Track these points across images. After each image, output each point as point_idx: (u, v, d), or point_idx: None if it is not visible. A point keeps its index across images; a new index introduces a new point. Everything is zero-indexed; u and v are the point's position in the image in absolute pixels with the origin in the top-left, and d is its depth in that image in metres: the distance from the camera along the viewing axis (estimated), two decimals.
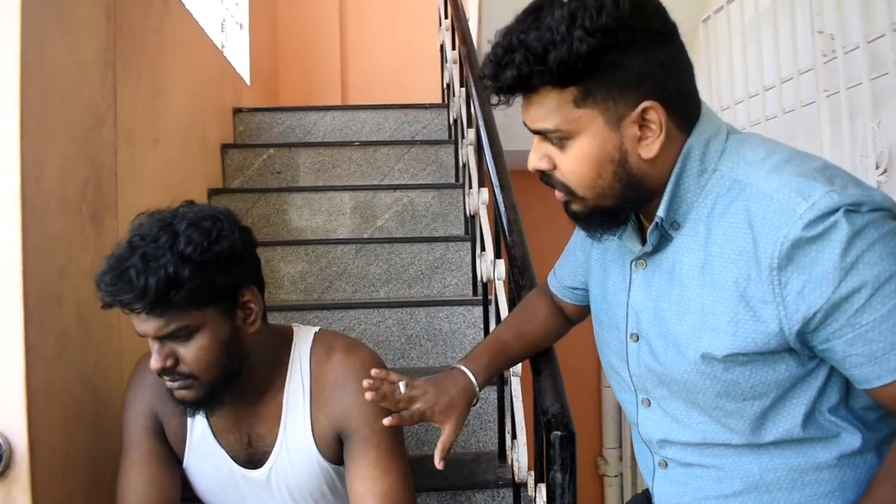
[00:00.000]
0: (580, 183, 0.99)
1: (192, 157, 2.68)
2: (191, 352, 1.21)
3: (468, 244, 2.73)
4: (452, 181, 3.12)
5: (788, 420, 0.97)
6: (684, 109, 0.98)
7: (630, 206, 1.02)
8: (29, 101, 1.29)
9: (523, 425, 1.81)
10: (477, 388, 1.34)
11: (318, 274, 2.68)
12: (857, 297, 0.86)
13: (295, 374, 1.38)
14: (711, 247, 0.96)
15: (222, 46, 3.43)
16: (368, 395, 1.23)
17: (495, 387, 2.20)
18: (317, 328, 1.45)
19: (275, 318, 2.43)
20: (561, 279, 1.41)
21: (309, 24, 4.60)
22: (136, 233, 1.19)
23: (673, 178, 0.98)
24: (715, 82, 3.12)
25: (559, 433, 1.31)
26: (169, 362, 1.21)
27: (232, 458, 1.38)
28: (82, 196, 1.48)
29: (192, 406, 1.27)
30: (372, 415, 1.33)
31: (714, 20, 3.09)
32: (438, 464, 1.25)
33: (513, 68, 0.92)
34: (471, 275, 2.69)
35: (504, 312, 1.97)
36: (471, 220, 2.62)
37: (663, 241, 1.03)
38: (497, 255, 2.09)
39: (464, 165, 2.82)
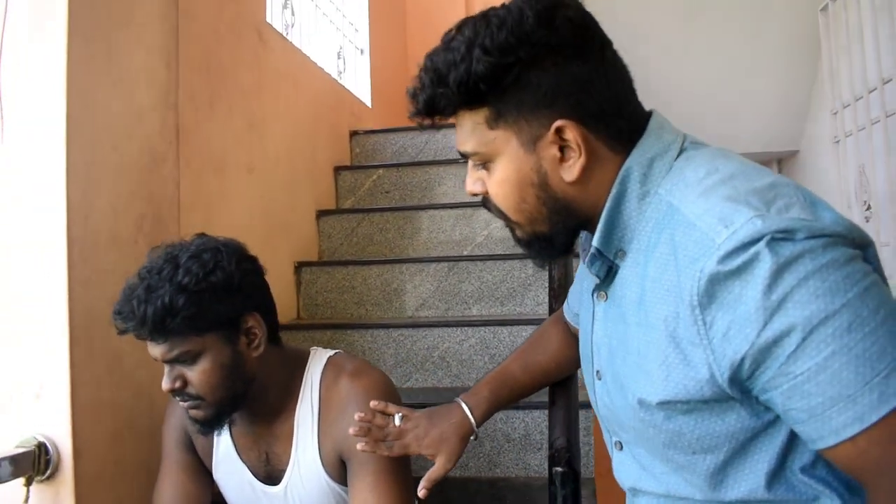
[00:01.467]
0: (508, 207, 0.94)
1: (297, 182, 2.86)
2: (196, 374, 1.31)
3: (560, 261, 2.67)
4: None
5: (750, 478, 0.86)
6: (613, 128, 0.89)
7: (566, 232, 0.95)
8: (77, 150, 1.46)
9: None
10: (473, 423, 1.32)
11: (412, 292, 2.75)
12: (786, 341, 0.74)
13: (305, 396, 1.44)
14: (646, 280, 0.88)
15: (339, 73, 3.61)
16: (352, 431, 1.26)
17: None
18: (334, 352, 1.51)
19: (361, 337, 2.55)
20: (571, 305, 1.37)
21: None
22: (145, 265, 1.31)
23: (609, 202, 0.90)
24: (836, 76, 2.82)
25: (560, 469, 1.27)
26: (177, 384, 1.32)
27: (253, 473, 1.47)
28: (138, 230, 1.64)
29: (203, 424, 1.37)
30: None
31: (832, 8, 2.80)
32: (420, 491, 1.26)
33: (422, 91, 0.91)
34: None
35: None
36: None
37: (613, 271, 0.95)
38: None
39: None
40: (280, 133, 2.72)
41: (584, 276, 1.17)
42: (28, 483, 1.40)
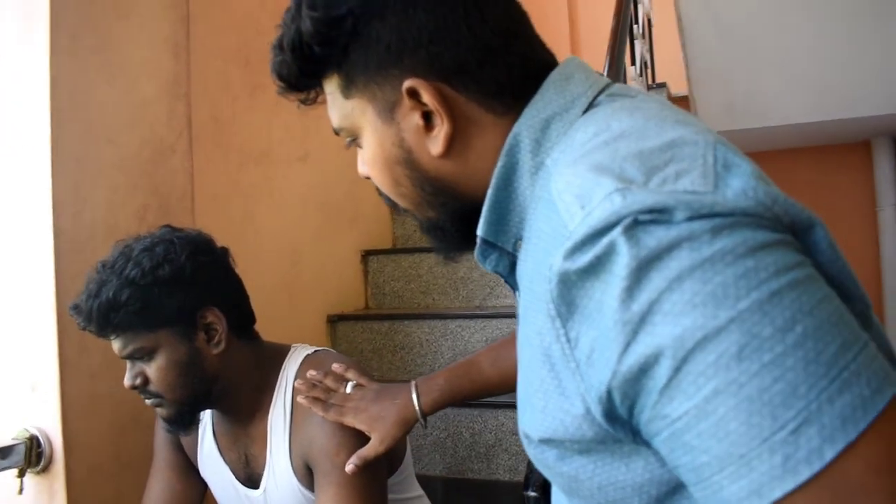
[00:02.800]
0: (387, 190, 0.78)
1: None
2: (153, 372, 1.26)
3: None
4: None
5: None
6: (488, 83, 0.70)
7: (458, 219, 0.76)
8: (64, 144, 1.45)
9: None
10: (417, 409, 1.19)
11: (478, 280, 2.60)
12: (655, 371, 0.50)
13: (279, 397, 1.35)
14: (525, 279, 0.68)
15: None
16: (296, 383, 1.24)
17: None
18: (314, 349, 1.41)
19: (419, 328, 2.44)
20: None
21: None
22: (102, 259, 1.27)
23: (495, 179, 0.70)
24: None
25: (532, 495, 1.12)
26: (138, 381, 1.27)
27: (234, 475, 1.41)
28: (141, 222, 1.63)
29: (168, 423, 1.32)
30: (333, 447, 1.25)
31: None
32: (347, 466, 1.17)
33: (271, 63, 0.77)
34: None
35: None
36: None
37: (513, 264, 0.75)
38: None
39: None
40: None
41: None
42: (21, 475, 1.42)
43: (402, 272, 2.70)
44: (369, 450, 1.16)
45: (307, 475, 1.30)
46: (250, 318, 1.38)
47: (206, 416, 1.44)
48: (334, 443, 1.24)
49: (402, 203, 0.78)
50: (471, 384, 1.22)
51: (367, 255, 2.75)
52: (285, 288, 2.26)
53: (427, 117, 0.70)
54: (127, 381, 1.26)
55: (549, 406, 0.61)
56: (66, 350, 1.44)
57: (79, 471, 1.46)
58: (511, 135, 0.69)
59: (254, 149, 2.14)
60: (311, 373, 1.25)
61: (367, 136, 0.74)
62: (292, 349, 1.41)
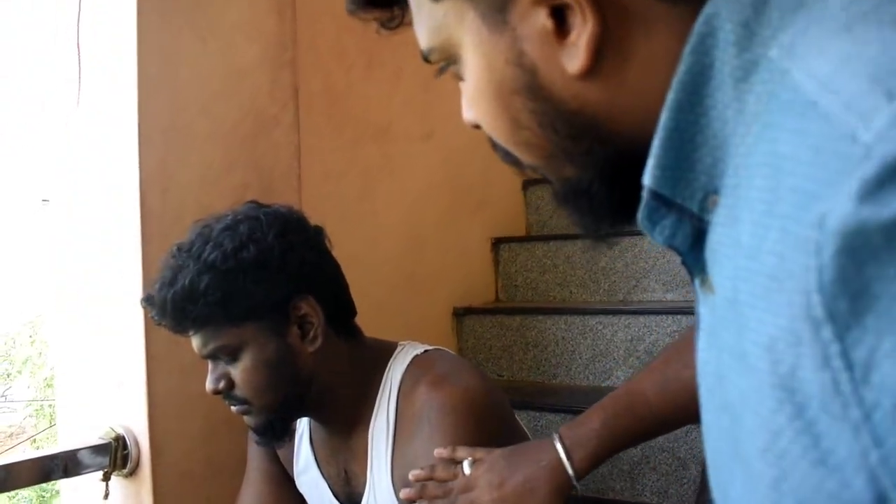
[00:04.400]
0: (503, 137, 0.49)
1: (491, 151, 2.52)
2: (238, 374, 1.06)
3: None
4: None
5: None
6: None
7: (606, 176, 0.47)
8: (151, 115, 1.29)
9: None
10: (570, 470, 0.89)
11: (622, 271, 2.26)
12: None
13: (381, 406, 1.12)
14: (739, 256, 0.37)
15: None
16: (402, 495, 0.97)
17: None
18: (424, 348, 1.16)
19: (555, 324, 2.14)
20: None
21: None
22: (178, 242, 1.08)
23: (671, 97, 0.40)
24: None
25: None
26: (221, 385, 1.07)
27: (332, 491, 1.19)
28: (239, 202, 1.44)
29: (256, 433, 1.12)
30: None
31: None
32: None
33: None
34: None
35: None
36: None
37: (700, 235, 0.43)
38: None
39: None
40: None
41: None
42: (106, 478, 1.27)
43: (536, 262, 2.41)
44: None
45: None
46: (350, 310, 1.15)
47: (304, 423, 1.23)
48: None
49: (525, 156, 0.50)
50: (637, 423, 0.91)
51: (497, 242, 2.48)
52: (407, 278, 2.04)
53: (559, 14, 0.42)
54: (209, 385, 1.07)
55: (789, 480, 0.32)
56: (154, 344, 1.28)
57: (167, 475, 1.30)
58: (700, 20, 0.39)
59: (371, 124, 1.93)
60: (415, 473, 0.98)
61: (469, 55, 0.47)
62: (399, 347, 1.16)
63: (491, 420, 1.05)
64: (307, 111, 1.64)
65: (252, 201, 1.13)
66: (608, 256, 2.28)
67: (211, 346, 1.04)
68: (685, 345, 0.95)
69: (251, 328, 1.03)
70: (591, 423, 0.93)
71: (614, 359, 2.03)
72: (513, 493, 0.90)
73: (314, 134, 1.67)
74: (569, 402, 1.88)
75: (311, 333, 1.06)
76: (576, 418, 0.94)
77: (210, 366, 1.07)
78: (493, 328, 2.24)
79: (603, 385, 2.02)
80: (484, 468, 0.92)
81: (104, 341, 1.32)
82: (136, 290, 1.27)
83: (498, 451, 0.94)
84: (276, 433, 1.09)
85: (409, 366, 1.12)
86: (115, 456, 1.27)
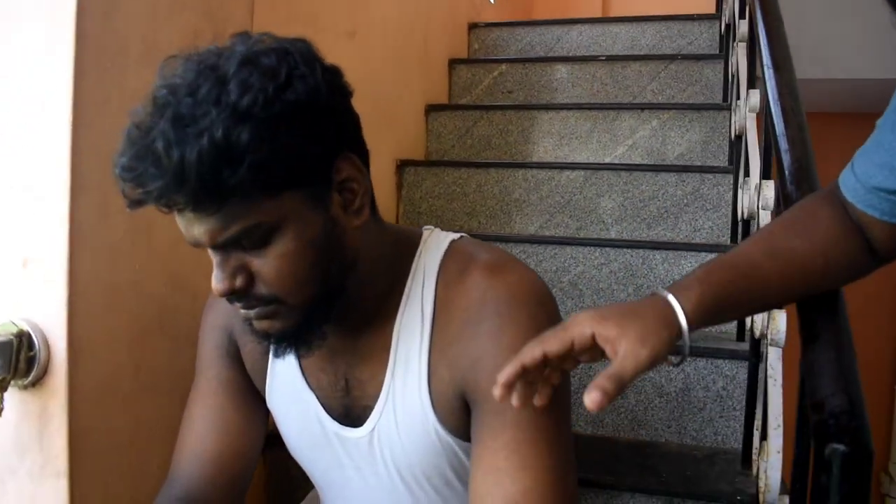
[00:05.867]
0: None
1: (405, 70, 2.30)
2: (269, 263, 0.76)
3: (728, 178, 2.03)
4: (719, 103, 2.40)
5: None
6: None
7: None
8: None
9: (780, 423, 1.15)
10: (683, 323, 0.74)
11: (537, 204, 2.16)
12: None
13: (414, 297, 0.88)
14: None
15: None
16: (497, 391, 0.72)
17: (745, 363, 1.54)
18: (457, 234, 0.94)
19: None
20: (866, 175, 0.77)
21: None
22: (164, 84, 0.75)
23: None
24: None
25: (840, 448, 0.71)
26: (239, 282, 0.77)
27: (324, 406, 0.94)
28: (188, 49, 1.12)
29: (279, 342, 0.83)
30: None
31: None
32: (592, 401, 0.68)
33: None
34: (731, 215, 1.99)
35: None
36: (736, 143, 1.92)
37: None
38: (765, 176, 1.41)
39: (733, 76, 2.10)
40: (389, 6, 2.16)
41: None
42: (1, 388, 0.92)
43: (443, 188, 2.23)
44: (627, 363, 0.70)
45: (456, 412, 0.86)
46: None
47: None
48: None
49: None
50: (748, 284, 0.78)
51: (402, 164, 2.27)
52: None
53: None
54: (221, 285, 0.76)
55: None
56: (82, 211, 0.94)
57: (85, 387, 0.97)
58: None
59: (302, 15, 1.64)
60: (507, 372, 0.74)
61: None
62: (426, 231, 0.94)
63: (555, 311, 0.87)
64: None
65: (245, 32, 0.81)
66: (522, 188, 2.17)
67: (235, 229, 0.73)
68: (792, 220, 0.85)
69: (291, 199, 0.75)
70: (691, 274, 0.79)
71: None
72: (616, 313, 0.73)
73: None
74: None
75: (357, 202, 0.81)
76: (675, 283, 0.80)
77: (218, 258, 0.76)
78: None
79: None
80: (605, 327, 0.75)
81: (7, 202, 0.95)
82: (62, 133, 0.92)
83: (599, 311, 0.77)
84: (314, 337, 0.82)
85: (447, 252, 0.90)
86: (15, 359, 0.92)
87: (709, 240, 2.02)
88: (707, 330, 1.80)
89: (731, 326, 1.78)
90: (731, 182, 2.00)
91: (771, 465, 1.09)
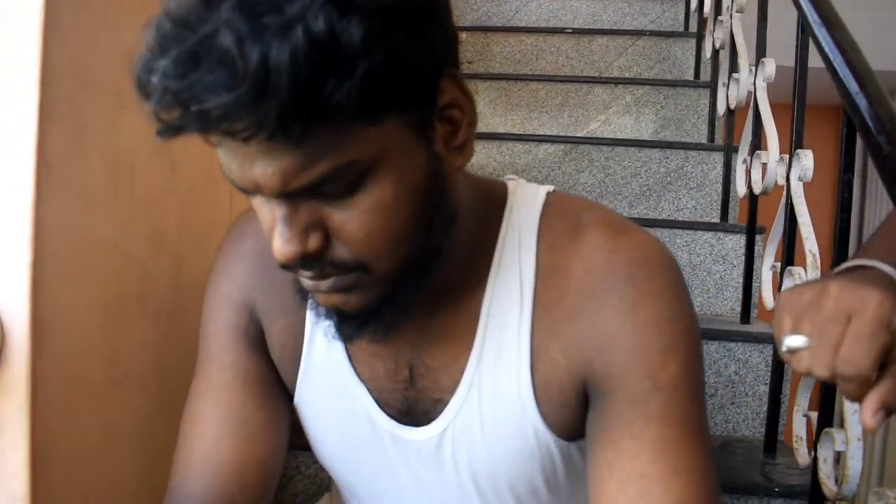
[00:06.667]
0: None
1: None
2: (356, 218, 0.53)
3: (714, 155, 1.94)
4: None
5: None
6: None
7: None
8: None
9: (857, 407, 1.03)
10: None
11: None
12: None
13: (508, 262, 0.68)
14: None
15: None
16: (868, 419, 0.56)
17: (759, 345, 1.44)
18: (550, 187, 0.75)
19: None
20: None
21: None
22: None
23: None
24: None
25: None
26: (313, 242, 0.53)
27: (378, 402, 0.73)
28: None
29: (352, 323, 0.61)
30: (658, 353, 0.63)
31: None
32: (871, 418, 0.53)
33: None
34: (718, 195, 1.90)
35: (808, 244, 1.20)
36: (728, 119, 1.82)
37: None
38: (798, 145, 1.31)
39: (716, 52, 2.02)
40: None
41: None
42: None
43: None
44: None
45: (570, 402, 0.67)
46: None
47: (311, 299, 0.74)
48: (660, 345, 0.64)
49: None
50: None
51: None
52: None
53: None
54: (291, 247, 0.52)
55: None
56: (53, 149, 0.69)
57: (51, 378, 0.72)
58: None
59: None
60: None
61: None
62: (513, 182, 0.75)
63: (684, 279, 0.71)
64: None
65: None
66: (496, 163, 2.01)
67: (323, 168, 0.49)
68: None
69: (396, 127, 0.53)
70: (877, 244, 0.65)
71: None
72: (834, 284, 0.57)
73: None
74: None
75: (460, 135, 0.60)
76: (864, 246, 0.66)
77: (284, 210, 0.53)
78: None
79: None
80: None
81: None
82: (31, 40, 0.67)
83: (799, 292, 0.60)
84: (393, 318, 0.61)
85: (545, 207, 0.71)
86: None
87: (692, 219, 1.93)
88: (711, 311, 1.70)
89: (731, 307, 1.69)
90: (715, 160, 1.92)
91: (852, 453, 0.97)
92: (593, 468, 0.65)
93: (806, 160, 1.24)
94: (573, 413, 0.68)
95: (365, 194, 0.53)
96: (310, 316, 0.73)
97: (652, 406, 0.62)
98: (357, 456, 0.76)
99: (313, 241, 0.54)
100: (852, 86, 1.01)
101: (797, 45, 1.27)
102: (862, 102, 0.97)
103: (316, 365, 0.74)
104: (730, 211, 1.82)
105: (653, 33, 2.43)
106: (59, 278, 0.72)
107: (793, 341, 0.58)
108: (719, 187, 1.88)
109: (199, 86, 0.46)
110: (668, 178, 1.94)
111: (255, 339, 0.75)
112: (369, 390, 0.73)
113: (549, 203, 0.71)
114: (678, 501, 0.61)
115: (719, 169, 1.90)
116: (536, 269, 0.68)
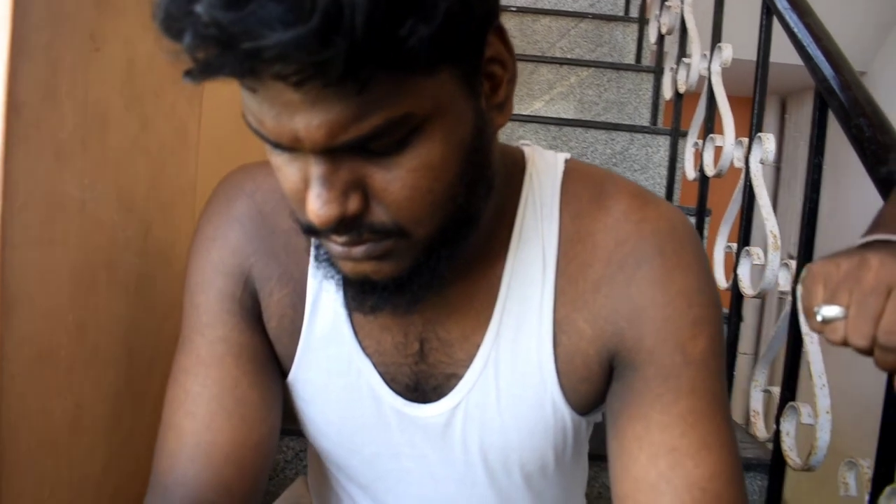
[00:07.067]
0: None
1: None
2: (402, 178, 0.48)
3: (658, 138, 1.97)
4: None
5: None
6: None
7: None
8: None
9: (825, 382, 1.05)
10: None
11: None
12: None
13: (529, 231, 0.65)
14: None
15: None
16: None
17: None
18: (567, 154, 0.72)
19: None
20: None
21: None
22: None
23: None
24: None
25: None
26: (353, 204, 0.48)
27: (384, 377, 0.68)
28: None
29: (381, 293, 0.56)
30: (688, 326, 0.62)
31: None
32: None
33: None
34: (663, 178, 1.93)
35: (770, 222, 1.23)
36: (677, 101, 1.85)
37: None
38: (759, 129, 1.33)
39: (661, 37, 2.04)
40: None
41: None
42: None
43: None
44: None
45: (592, 377, 0.65)
46: None
47: (314, 265, 0.69)
48: (690, 318, 0.62)
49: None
50: None
51: None
52: None
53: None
54: (331, 210, 0.47)
55: None
56: (21, 81, 0.60)
57: (20, 360, 0.64)
58: None
59: None
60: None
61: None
62: (528, 147, 0.71)
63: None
64: None
65: None
66: None
67: (375, 122, 0.44)
68: None
69: (450, 80, 0.48)
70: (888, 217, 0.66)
71: None
72: (874, 256, 0.57)
73: None
74: None
75: (501, 92, 0.56)
76: (877, 220, 0.66)
77: (323, 168, 0.47)
78: None
79: None
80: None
81: None
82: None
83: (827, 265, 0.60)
84: (424, 289, 0.57)
85: (566, 175, 0.68)
86: None
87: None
88: None
89: None
90: (660, 143, 1.94)
91: (821, 426, 1.00)
92: (619, 442, 0.63)
93: (768, 143, 1.27)
94: (593, 387, 0.65)
95: (413, 152, 0.49)
96: (311, 285, 0.67)
97: (682, 380, 0.61)
98: (358, 436, 0.71)
99: (353, 203, 0.49)
100: (827, 70, 1.02)
101: (761, 28, 1.29)
102: (839, 86, 0.99)
103: (317, 338, 0.69)
104: (674, 193, 1.85)
105: (595, 16, 2.44)
106: (26, 239, 0.63)
107: (829, 311, 0.57)
108: (663, 170, 1.91)
109: (254, 19, 0.39)
110: (614, 160, 1.96)
111: (250, 311, 0.69)
112: (374, 365, 0.68)
113: (569, 171, 0.68)
114: (709, 474, 0.60)
115: (663, 152, 1.93)
116: (560, 239, 0.65)
